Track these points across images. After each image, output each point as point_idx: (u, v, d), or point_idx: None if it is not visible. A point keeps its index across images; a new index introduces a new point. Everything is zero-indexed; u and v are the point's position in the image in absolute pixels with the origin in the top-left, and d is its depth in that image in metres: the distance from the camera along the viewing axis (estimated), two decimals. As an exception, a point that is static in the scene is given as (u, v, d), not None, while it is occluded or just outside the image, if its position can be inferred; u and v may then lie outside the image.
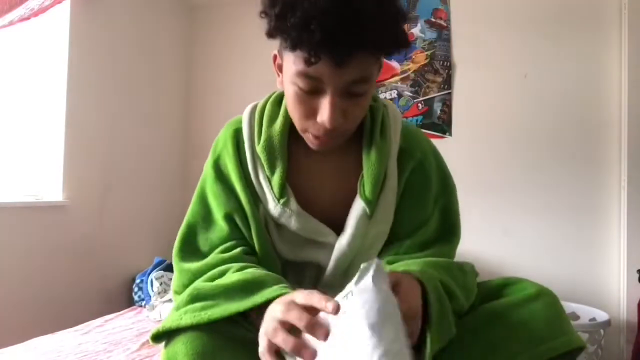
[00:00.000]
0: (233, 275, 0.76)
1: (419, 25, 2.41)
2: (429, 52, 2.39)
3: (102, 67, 2.28)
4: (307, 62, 0.68)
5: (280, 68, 0.81)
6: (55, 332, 1.70)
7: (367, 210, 0.84)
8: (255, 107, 0.93)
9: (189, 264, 0.85)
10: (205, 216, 0.89)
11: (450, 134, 2.34)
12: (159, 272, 2.29)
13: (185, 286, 0.82)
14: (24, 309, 1.92)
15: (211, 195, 0.89)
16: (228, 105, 2.75)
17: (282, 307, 0.62)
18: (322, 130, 0.76)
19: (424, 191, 0.89)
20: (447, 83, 2.35)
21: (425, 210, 0.88)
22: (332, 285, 0.87)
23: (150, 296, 2.21)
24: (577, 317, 1.91)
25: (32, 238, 1.97)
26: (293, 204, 0.85)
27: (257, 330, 0.66)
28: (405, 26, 0.80)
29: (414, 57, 2.41)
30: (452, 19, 2.36)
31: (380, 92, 2.47)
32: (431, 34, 2.39)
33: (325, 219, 0.87)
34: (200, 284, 0.77)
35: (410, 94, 2.41)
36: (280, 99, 0.92)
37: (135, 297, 2.31)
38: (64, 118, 2.10)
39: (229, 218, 0.87)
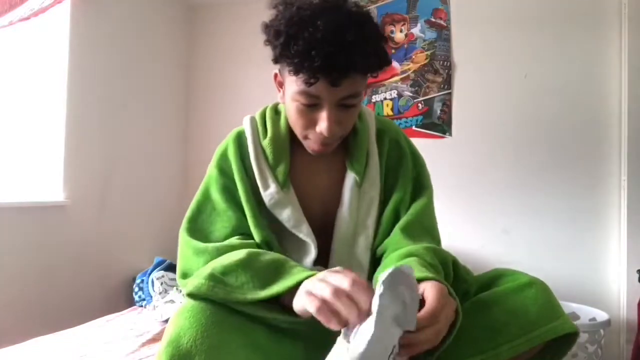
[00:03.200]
0: (263, 257, 0.81)
1: (419, 25, 2.41)
2: (429, 52, 2.39)
3: (102, 67, 2.28)
4: (307, 83, 0.80)
5: (280, 85, 0.93)
6: (56, 332, 1.70)
7: (357, 179, 0.97)
8: (253, 116, 1.04)
9: (205, 243, 0.90)
10: (211, 210, 0.97)
11: (450, 134, 2.34)
12: (160, 272, 2.28)
13: (201, 261, 0.87)
14: (24, 308, 1.92)
15: (216, 191, 0.97)
16: (228, 105, 2.75)
17: (329, 289, 0.63)
18: (321, 138, 0.88)
19: (401, 162, 1.01)
20: (447, 83, 2.35)
21: (406, 179, 1.00)
22: (339, 263, 0.93)
23: (151, 296, 2.21)
24: (577, 317, 1.91)
25: (32, 238, 1.97)
26: (293, 194, 0.96)
27: (284, 307, 0.73)
28: (387, 44, 0.94)
29: (414, 57, 2.41)
30: (452, 19, 2.36)
31: (380, 92, 2.47)
32: (431, 34, 2.39)
33: (319, 209, 0.98)
34: (227, 261, 0.79)
35: (410, 94, 2.41)
36: (276, 108, 1.05)
37: (136, 297, 2.30)
38: (64, 118, 2.10)
39: (234, 210, 0.94)
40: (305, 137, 0.91)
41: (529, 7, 2.24)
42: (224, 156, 1.00)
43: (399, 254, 0.83)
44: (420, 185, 1.00)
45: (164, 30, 2.73)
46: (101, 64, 2.28)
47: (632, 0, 2.03)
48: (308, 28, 0.78)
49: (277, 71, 0.92)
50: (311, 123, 0.87)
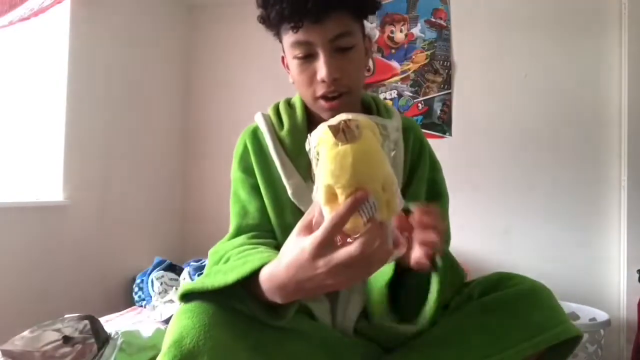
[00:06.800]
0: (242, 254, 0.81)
1: (419, 25, 2.41)
2: (429, 52, 2.39)
3: (102, 67, 2.28)
4: (294, 29, 0.82)
5: (287, 66, 0.93)
6: (55, 332, 1.69)
7: None
8: (264, 113, 1.03)
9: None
10: (242, 211, 0.97)
11: (450, 134, 2.34)
12: (160, 272, 2.28)
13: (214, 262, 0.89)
14: (24, 308, 1.92)
15: (244, 192, 0.97)
16: (228, 105, 2.75)
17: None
18: (325, 88, 0.87)
19: (419, 162, 1.00)
20: (447, 83, 2.35)
21: (420, 180, 0.99)
22: None
23: (151, 296, 2.21)
24: (577, 317, 1.91)
25: (32, 238, 1.97)
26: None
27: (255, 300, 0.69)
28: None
29: (414, 57, 2.41)
30: (452, 19, 2.36)
31: (380, 92, 2.47)
32: (431, 34, 2.39)
33: None
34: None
35: (410, 94, 2.41)
36: (289, 102, 1.03)
37: (136, 297, 2.30)
38: (64, 118, 2.10)
39: (259, 208, 0.95)
40: (315, 98, 0.89)
41: (529, 7, 2.24)
42: (244, 155, 0.99)
43: None
44: (435, 191, 1.01)
45: (164, 30, 2.73)
46: (101, 64, 2.28)
47: (632, 0, 2.03)
48: None
49: (282, 54, 0.94)
50: (313, 75, 0.87)
